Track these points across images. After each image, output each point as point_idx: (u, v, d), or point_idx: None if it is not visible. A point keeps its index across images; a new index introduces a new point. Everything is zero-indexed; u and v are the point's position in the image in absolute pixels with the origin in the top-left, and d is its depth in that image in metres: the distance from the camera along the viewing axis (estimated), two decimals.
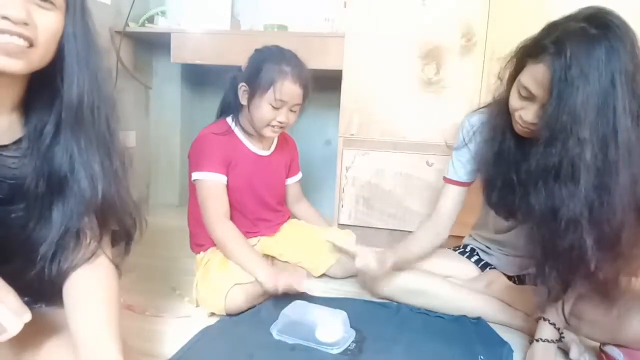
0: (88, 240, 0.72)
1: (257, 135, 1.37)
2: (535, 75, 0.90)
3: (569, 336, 1.05)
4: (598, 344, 1.05)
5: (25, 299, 0.77)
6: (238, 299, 1.14)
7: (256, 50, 1.35)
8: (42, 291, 0.76)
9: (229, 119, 1.39)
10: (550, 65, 0.85)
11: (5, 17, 0.58)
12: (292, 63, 1.27)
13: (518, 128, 1.00)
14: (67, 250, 0.71)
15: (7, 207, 0.69)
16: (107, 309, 0.72)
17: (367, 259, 1.14)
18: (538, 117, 0.92)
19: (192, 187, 1.36)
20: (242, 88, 1.31)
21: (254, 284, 1.18)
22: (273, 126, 1.30)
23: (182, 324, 1.12)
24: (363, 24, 1.68)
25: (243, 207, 1.37)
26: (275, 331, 1.07)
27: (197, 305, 1.20)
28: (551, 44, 0.86)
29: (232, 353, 0.99)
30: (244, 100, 1.32)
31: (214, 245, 1.32)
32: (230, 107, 1.40)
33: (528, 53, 0.94)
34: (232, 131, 1.37)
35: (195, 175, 1.29)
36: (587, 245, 0.84)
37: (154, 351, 0.99)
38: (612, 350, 1.00)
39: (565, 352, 1.03)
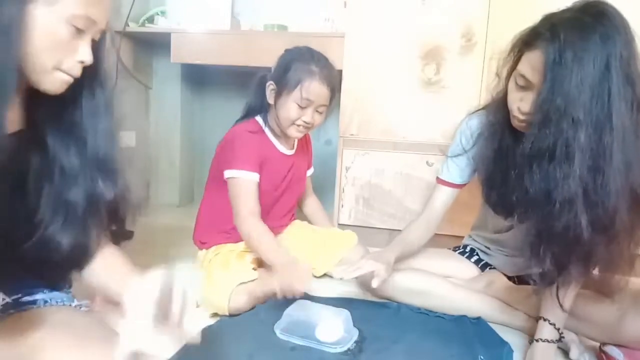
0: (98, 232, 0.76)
1: (283, 134, 1.37)
2: (531, 62, 0.91)
3: (569, 336, 1.05)
4: (598, 344, 1.05)
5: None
6: (241, 299, 1.14)
7: (286, 50, 1.35)
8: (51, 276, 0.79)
9: (259, 119, 1.39)
10: (545, 50, 0.87)
11: (81, 62, 0.66)
12: (320, 64, 1.28)
13: (515, 123, 1.00)
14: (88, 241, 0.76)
15: (18, 200, 0.70)
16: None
17: (377, 271, 1.11)
18: (535, 105, 0.92)
19: (214, 183, 1.37)
20: (270, 86, 1.31)
21: (256, 282, 1.18)
22: (298, 125, 1.30)
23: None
24: (363, 24, 1.69)
25: (261, 206, 1.37)
26: (278, 330, 1.07)
27: (198, 305, 1.20)
28: (546, 30, 0.88)
29: (232, 353, 0.99)
30: (271, 99, 1.32)
31: (217, 244, 1.33)
32: (256, 107, 1.40)
33: (524, 42, 0.95)
34: (263, 131, 1.37)
35: (229, 173, 1.29)
36: (583, 225, 0.85)
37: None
38: (612, 350, 1.00)
39: (565, 352, 1.03)
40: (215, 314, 1.16)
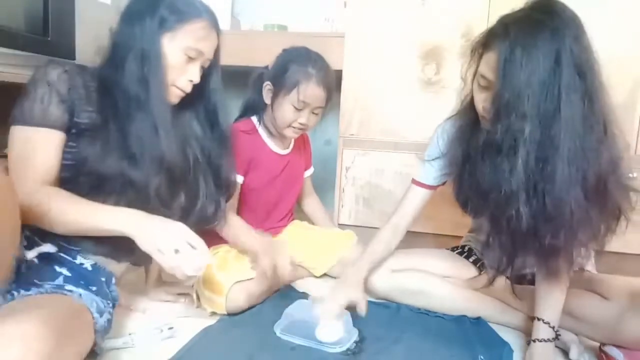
0: None
1: (279, 134, 1.37)
2: (488, 62, 0.94)
3: (568, 336, 1.06)
4: (598, 344, 1.05)
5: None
6: (239, 298, 1.14)
7: (284, 50, 1.35)
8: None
9: (254, 118, 1.39)
10: (499, 48, 0.89)
11: (190, 80, 0.93)
12: (317, 66, 1.28)
13: (484, 122, 1.01)
14: None
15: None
16: None
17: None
18: (489, 102, 0.94)
19: None
20: (267, 87, 1.32)
21: (254, 281, 1.18)
22: (294, 127, 1.31)
23: (182, 324, 1.12)
24: (363, 24, 1.69)
25: (258, 206, 1.36)
26: (278, 330, 1.07)
27: (198, 306, 1.20)
28: (500, 30, 0.91)
29: (232, 353, 0.99)
30: (267, 99, 1.32)
31: (216, 244, 1.33)
32: (253, 105, 1.40)
33: (482, 44, 0.97)
34: (257, 131, 1.37)
35: None
36: (524, 214, 0.88)
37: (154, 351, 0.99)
38: (612, 350, 1.00)
39: (565, 352, 1.03)
40: (214, 313, 1.16)
